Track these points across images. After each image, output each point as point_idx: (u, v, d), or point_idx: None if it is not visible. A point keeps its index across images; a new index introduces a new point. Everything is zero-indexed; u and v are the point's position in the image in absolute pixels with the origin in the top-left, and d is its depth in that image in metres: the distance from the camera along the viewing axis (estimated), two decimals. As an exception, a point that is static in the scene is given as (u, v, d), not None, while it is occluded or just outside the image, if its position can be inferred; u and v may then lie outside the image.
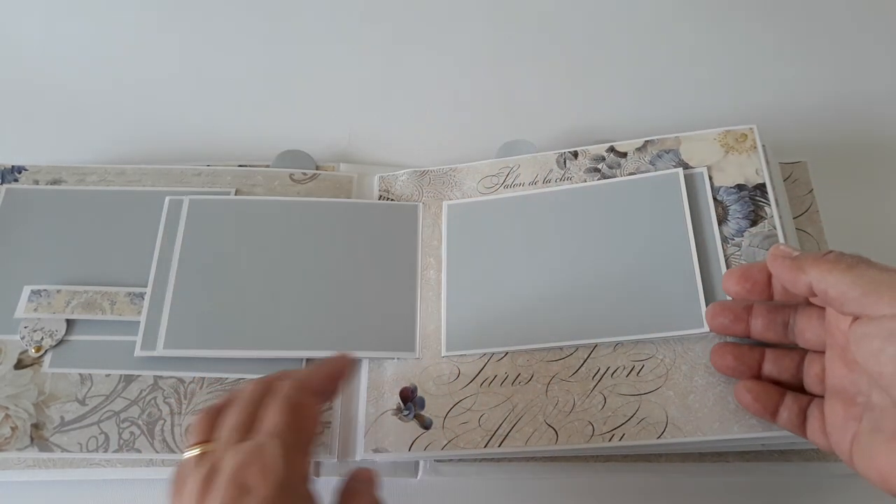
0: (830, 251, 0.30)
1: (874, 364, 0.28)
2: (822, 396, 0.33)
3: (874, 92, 0.52)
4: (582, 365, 0.38)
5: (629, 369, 0.38)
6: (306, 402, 0.31)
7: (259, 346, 0.40)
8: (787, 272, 0.31)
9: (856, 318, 0.29)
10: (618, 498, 0.39)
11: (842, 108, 0.51)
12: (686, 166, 0.42)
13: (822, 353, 0.33)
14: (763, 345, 0.35)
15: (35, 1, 0.57)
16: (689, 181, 0.41)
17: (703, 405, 0.36)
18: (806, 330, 0.33)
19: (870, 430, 0.29)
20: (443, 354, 0.40)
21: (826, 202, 0.45)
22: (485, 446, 0.37)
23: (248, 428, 0.30)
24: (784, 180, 0.45)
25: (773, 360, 0.35)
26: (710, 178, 0.41)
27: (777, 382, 0.34)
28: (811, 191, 0.45)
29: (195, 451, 0.30)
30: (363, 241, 0.44)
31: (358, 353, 0.40)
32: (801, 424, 0.33)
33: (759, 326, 0.35)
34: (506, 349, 0.39)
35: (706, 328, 0.37)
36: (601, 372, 0.38)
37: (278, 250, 0.43)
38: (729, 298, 0.36)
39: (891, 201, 0.47)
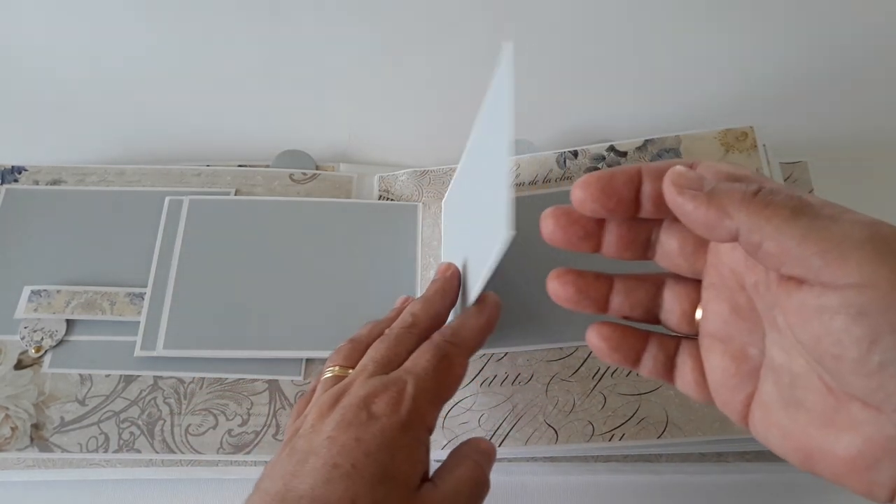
0: (760, 188, 0.22)
1: (830, 345, 0.21)
2: (689, 337, 0.27)
3: (874, 92, 0.52)
4: (582, 365, 0.38)
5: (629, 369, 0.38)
6: (456, 358, 0.31)
7: (259, 347, 0.40)
8: (699, 211, 0.23)
9: (800, 283, 0.22)
10: (618, 498, 0.39)
11: (842, 108, 0.51)
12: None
13: (692, 280, 0.27)
14: (609, 274, 0.28)
15: (35, 1, 0.57)
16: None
17: (704, 405, 0.36)
18: (673, 254, 0.27)
19: (782, 401, 0.24)
20: None
21: (826, 202, 0.45)
22: (485, 446, 0.37)
23: (389, 364, 0.30)
24: (784, 180, 0.45)
25: (623, 291, 0.28)
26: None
27: (627, 318, 0.28)
28: (811, 191, 0.45)
29: (330, 372, 0.31)
30: (363, 242, 0.44)
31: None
32: (669, 373, 0.28)
33: (612, 244, 0.27)
34: (506, 350, 0.39)
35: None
36: (601, 371, 0.38)
37: (278, 250, 0.43)
38: None
39: (891, 201, 0.47)
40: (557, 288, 0.28)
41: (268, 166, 0.48)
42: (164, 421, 0.39)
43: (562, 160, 0.44)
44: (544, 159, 0.45)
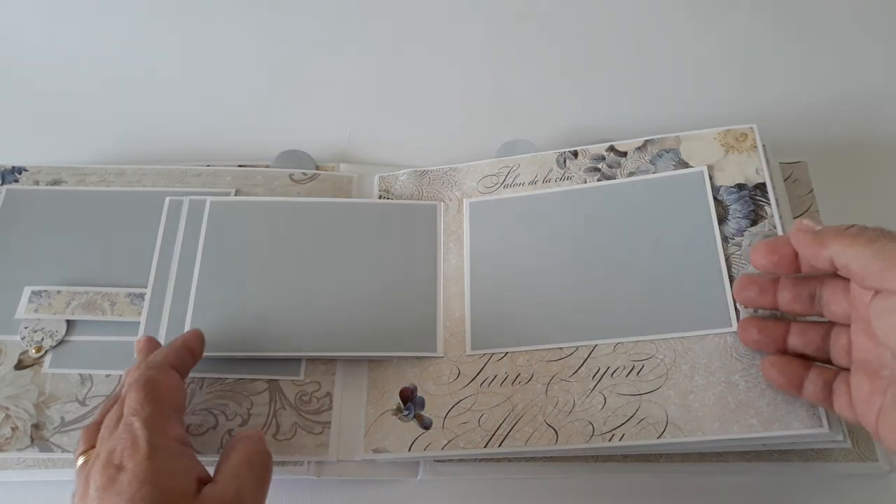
0: (853, 225, 0.30)
1: (894, 338, 0.28)
2: (848, 370, 0.33)
3: (874, 92, 0.52)
4: (582, 365, 0.38)
5: (629, 369, 0.38)
6: (159, 375, 0.33)
7: (260, 348, 0.40)
8: (808, 247, 0.31)
9: (877, 292, 0.29)
10: (618, 498, 0.39)
11: (842, 108, 0.51)
12: (686, 166, 0.42)
13: (849, 325, 0.33)
14: (789, 319, 0.36)
15: (35, 1, 0.57)
16: (689, 181, 0.42)
17: (703, 405, 0.36)
18: (832, 302, 0.33)
19: (894, 404, 0.29)
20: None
21: (826, 202, 0.45)
22: (485, 446, 0.37)
23: (117, 423, 0.32)
24: (784, 180, 0.45)
25: (798, 332, 0.35)
26: (711, 177, 0.41)
27: (803, 356, 0.35)
28: (811, 191, 0.45)
29: (82, 460, 0.32)
30: (381, 241, 0.43)
31: (380, 354, 0.40)
32: (827, 398, 0.33)
33: (785, 298, 0.34)
34: (526, 348, 0.39)
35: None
36: (601, 372, 0.38)
37: (281, 251, 0.43)
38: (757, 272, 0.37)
39: (891, 201, 0.47)
40: (744, 335, 0.36)
41: (268, 166, 0.48)
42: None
43: (562, 160, 0.44)
44: (544, 159, 0.45)
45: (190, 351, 0.37)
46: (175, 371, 0.35)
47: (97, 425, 0.33)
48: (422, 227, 0.44)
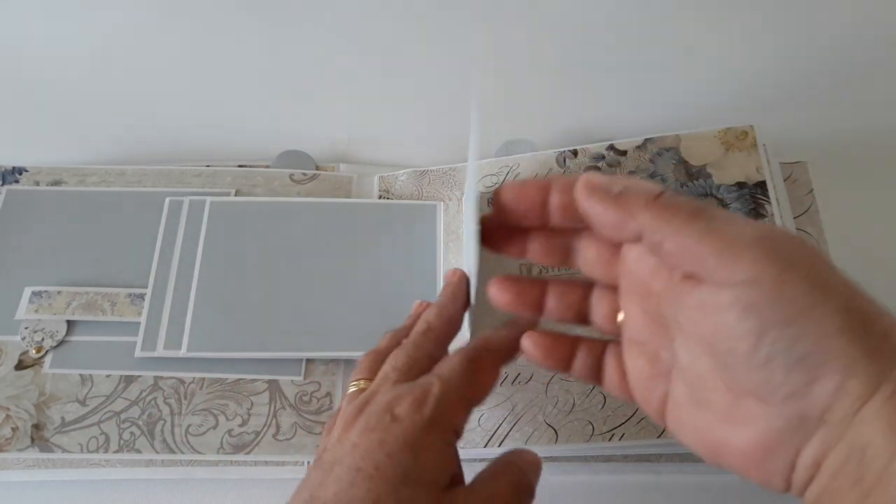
0: (661, 191, 0.25)
1: (725, 340, 0.23)
2: (614, 341, 0.29)
3: (874, 92, 0.52)
4: (582, 365, 0.38)
5: (629, 369, 0.38)
6: (487, 362, 0.30)
7: (260, 348, 0.40)
8: (608, 212, 0.25)
9: (693, 279, 0.24)
10: (618, 498, 0.39)
11: (842, 108, 0.51)
12: (686, 164, 0.42)
13: (612, 287, 0.29)
14: (545, 278, 0.31)
15: (36, 2, 0.57)
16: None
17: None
18: (592, 262, 0.29)
19: (690, 401, 0.25)
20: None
21: (826, 202, 0.44)
22: (485, 446, 0.37)
23: (410, 370, 0.30)
24: (784, 180, 0.45)
25: (557, 295, 0.30)
26: (711, 175, 0.41)
27: (560, 320, 0.30)
28: (811, 191, 0.45)
29: (355, 386, 0.31)
30: (381, 241, 0.44)
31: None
32: (597, 376, 0.29)
33: (536, 251, 0.30)
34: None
35: None
36: (601, 372, 0.38)
37: (281, 251, 0.43)
38: None
39: (891, 201, 0.47)
40: (496, 293, 0.30)
41: (268, 166, 0.48)
42: (165, 421, 0.39)
43: (562, 159, 0.44)
44: (544, 158, 0.45)
45: (520, 347, 0.31)
46: (504, 361, 0.31)
47: (379, 354, 0.31)
48: (422, 226, 0.44)
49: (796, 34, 0.55)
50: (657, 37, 0.55)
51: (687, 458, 0.38)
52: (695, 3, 0.56)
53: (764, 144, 0.42)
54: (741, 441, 0.24)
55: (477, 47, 0.56)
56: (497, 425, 0.38)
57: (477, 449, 0.37)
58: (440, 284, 0.42)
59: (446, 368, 0.29)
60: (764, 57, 0.54)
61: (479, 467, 0.39)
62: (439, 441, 0.27)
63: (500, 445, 0.37)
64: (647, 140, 0.44)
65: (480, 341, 0.31)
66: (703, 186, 0.41)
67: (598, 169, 0.43)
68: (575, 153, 0.44)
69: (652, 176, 0.42)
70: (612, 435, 0.36)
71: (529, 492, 0.29)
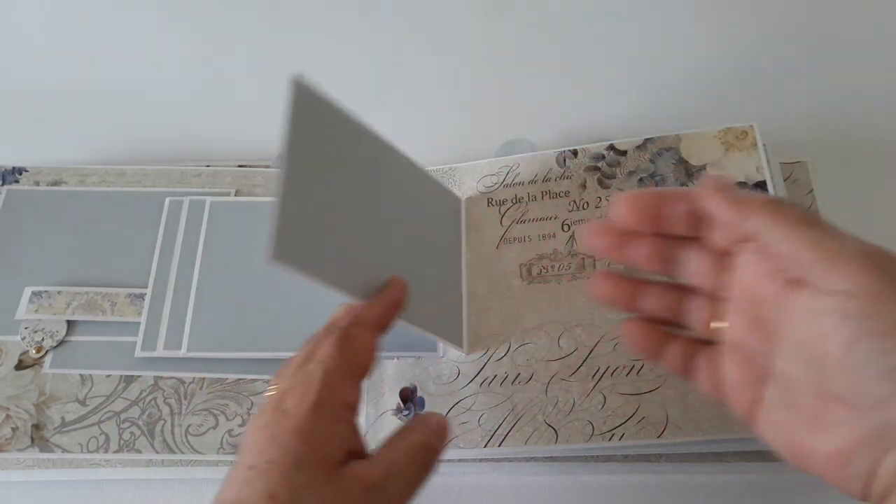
0: (780, 199, 0.27)
1: (821, 344, 0.25)
2: (709, 342, 0.30)
3: (874, 92, 0.52)
4: (582, 364, 0.38)
5: (629, 368, 0.38)
6: (358, 334, 0.32)
7: (260, 348, 0.40)
8: (730, 210, 0.27)
9: (797, 284, 0.26)
10: (618, 498, 0.39)
11: (842, 108, 0.51)
12: (686, 164, 0.42)
13: (711, 295, 0.30)
14: (644, 278, 0.32)
15: (35, 1, 0.57)
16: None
17: (703, 405, 0.36)
18: (699, 272, 0.30)
19: (781, 405, 0.27)
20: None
21: (826, 202, 0.44)
22: (485, 446, 0.37)
23: (306, 364, 0.31)
24: (784, 180, 0.45)
25: (656, 293, 0.31)
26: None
27: (653, 319, 0.32)
28: (811, 191, 0.45)
29: (267, 394, 0.31)
30: (406, 233, 0.43)
31: (398, 353, 0.40)
32: (689, 372, 0.31)
33: (642, 255, 0.31)
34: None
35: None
36: (601, 371, 0.38)
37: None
38: None
39: (891, 201, 0.47)
40: (596, 285, 0.32)
41: (268, 166, 0.48)
42: (165, 421, 0.39)
43: (562, 159, 0.44)
44: (544, 158, 0.45)
45: (395, 313, 0.34)
46: (378, 332, 0.33)
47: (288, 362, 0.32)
48: (447, 216, 0.43)
49: (796, 34, 0.55)
50: (657, 37, 0.55)
51: (687, 458, 0.38)
52: (695, 3, 0.56)
53: (764, 144, 0.42)
54: (825, 446, 0.25)
55: (477, 47, 0.56)
56: (497, 425, 0.38)
57: (477, 449, 0.37)
58: (465, 279, 0.42)
59: (322, 352, 0.30)
60: (764, 57, 0.54)
61: (479, 467, 0.39)
62: (329, 420, 0.29)
63: (500, 445, 0.37)
64: (647, 140, 0.44)
65: (350, 318, 0.32)
66: (703, 186, 0.41)
67: (597, 169, 0.43)
68: (575, 153, 0.44)
69: (652, 176, 0.42)
70: (612, 435, 0.36)
71: (431, 453, 0.31)
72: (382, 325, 0.33)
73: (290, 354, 0.40)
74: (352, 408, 0.30)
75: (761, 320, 0.28)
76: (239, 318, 0.41)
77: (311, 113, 0.35)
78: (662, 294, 0.32)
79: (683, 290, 0.31)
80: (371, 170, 0.37)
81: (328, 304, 0.42)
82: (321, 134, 0.35)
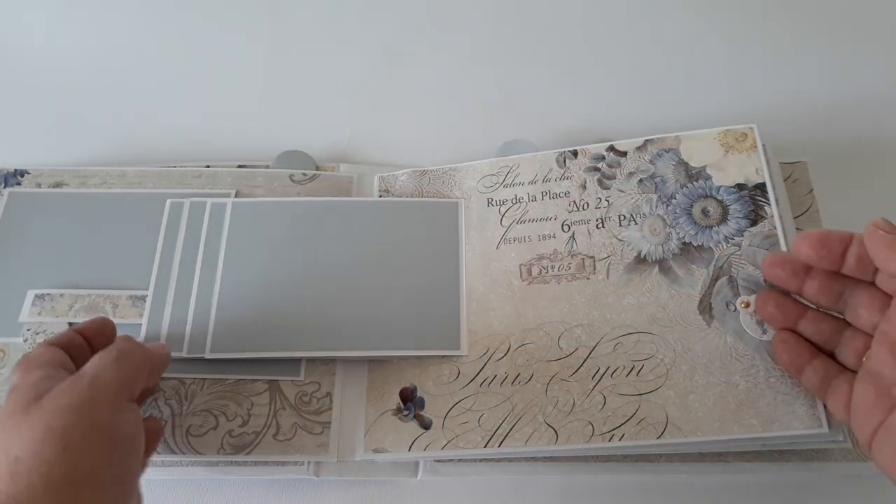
0: None
1: None
2: (852, 371, 0.33)
3: (874, 92, 0.52)
4: (582, 365, 0.38)
5: (629, 369, 0.38)
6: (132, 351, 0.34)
7: (261, 348, 0.40)
8: (883, 248, 0.30)
9: None
10: (618, 498, 0.39)
11: (842, 108, 0.51)
12: (686, 165, 0.42)
13: (867, 332, 0.33)
14: (807, 304, 0.36)
15: (35, 2, 0.57)
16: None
17: (703, 405, 0.36)
18: (863, 308, 0.33)
19: None
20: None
21: (826, 202, 0.44)
22: (485, 446, 0.37)
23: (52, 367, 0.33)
24: (784, 180, 0.45)
25: (813, 319, 0.35)
26: (711, 177, 0.41)
27: (808, 342, 0.35)
28: (811, 191, 0.45)
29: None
30: (399, 240, 0.43)
31: (401, 353, 0.40)
32: (823, 391, 0.34)
33: (813, 288, 0.34)
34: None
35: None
36: (601, 372, 0.38)
37: (287, 251, 0.43)
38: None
39: (891, 201, 0.47)
40: (760, 304, 0.37)
41: (268, 167, 0.48)
42: (165, 422, 0.39)
43: (562, 160, 0.44)
44: (544, 159, 0.45)
45: (153, 368, 0.36)
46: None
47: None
48: (442, 225, 0.44)
49: (796, 34, 0.55)
50: (657, 37, 0.55)
51: (687, 458, 0.39)
52: (695, 2, 0.56)
53: (764, 145, 0.42)
54: None
55: (477, 47, 0.56)
56: (497, 425, 0.38)
57: (477, 449, 0.38)
58: (463, 282, 0.42)
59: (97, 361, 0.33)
60: (764, 57, 0.54)
61: (479, 467, 0.39)
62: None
63: (500, 445, 0.37)
64: (647, 141, 0.44)
65: (125, 347, 0.34)
66: (703, 188, 0.41)
67: (597, 170, 0.43)
68: (575, 153, 0.44)
69: (652, 177, 0.42)
70: (612, 435, 0.36)
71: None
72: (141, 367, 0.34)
73: (291, 354, 0.41)
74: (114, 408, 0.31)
75: None
76: (240, 319, 0.41)
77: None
78: (820, 320, 0.35)
79: (842, 323, 0.34)
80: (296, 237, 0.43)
81: (328, 303, 0.42)
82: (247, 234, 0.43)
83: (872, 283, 0.33)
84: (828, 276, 0.34)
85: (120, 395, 0.31)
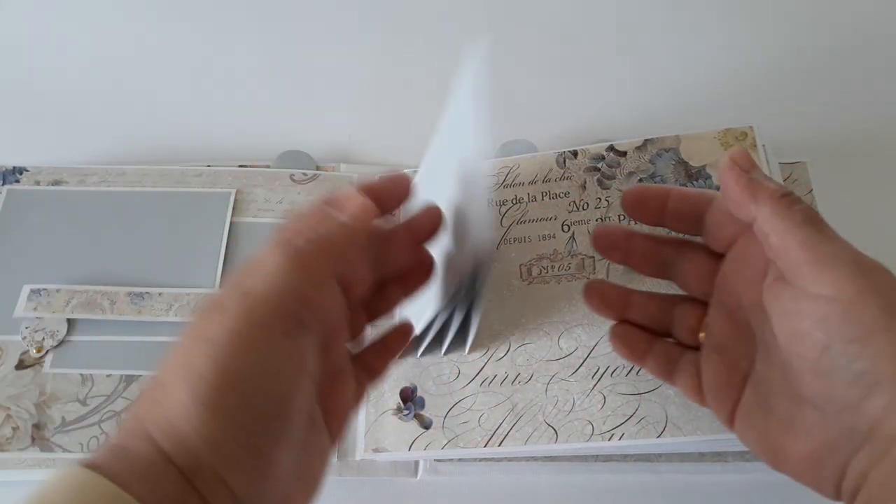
0: (790, 192, 0.27)
1: (797, 345, 0.25)
2: (694, 348, 0.32)
3: (874, 92, 0.52)
4: (581, 364, 0.38)
5: (629, 368, 0.38)
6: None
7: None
8: (738, 190, 0.27)
9: (782, 283, 0.26)
10: (618, 498, 0.39)
11: (842, 108, 0.51)
12: (686, 165, 0.42)
13: (700, 302, 0.31)
14: (631, 290, 0.34)
15: (35, 2, 0.57)
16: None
17: (702, 406, 0.36)
18: (691, 275, 0.31)
19: (759, 407, 0.28)
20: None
21: (826, 202, 0.45)
22: (485, 446, 0.37)
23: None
24: (784, 180, 0.45)
25: (639, 304, 0.33)
26: (710, 176, 0.41)
27: (641, 326, 0.33)
28: (811, 191, 0.45)
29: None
30: None
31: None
32: (670, 376, 0.32)
33: (637, 258, 0.33)
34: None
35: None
36: (601, 371, 0.38)
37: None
38: None
39: (891, 201, 0.47)
40: (586, 295, 0.34)
41: (268, 166, 0.48)
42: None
43: (562, 160, 0.44)
44: (544, 159, 0.45)
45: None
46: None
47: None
48: None
49: (796, 34, 0.55)
50: (657, 37, 0.55)
51: (687, 457, 0.39)
52: (695, 3, 0.56)
53: (763, 145, 0.42)
54: (798, 448, 0.26)
55: (476, 47, 0.56)
56: (497, 425, 0.38)
57: (477, 449, 0.37)
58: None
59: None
60: (764, 57, 0.54)
61: (479, 467, 0.39)
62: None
63: (500, 445, 0.37)
64: (647, 140, 0.44)
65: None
66: (703, 187, 0.41)
67: (597, 170, 0.43)
68: (575, 153, 0.44)
69: (652, 177, 0.42)
70: (612, 435, 0.36)
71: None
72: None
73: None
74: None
75: (746, 326, 0.29)
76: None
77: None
78: (645, 304, 0.33)
79: (670, 299, 0.33)
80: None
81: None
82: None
83: (702, 247, 0.31)
84: (650, 240, 0.33)
85: (275, 322, 0.23)
